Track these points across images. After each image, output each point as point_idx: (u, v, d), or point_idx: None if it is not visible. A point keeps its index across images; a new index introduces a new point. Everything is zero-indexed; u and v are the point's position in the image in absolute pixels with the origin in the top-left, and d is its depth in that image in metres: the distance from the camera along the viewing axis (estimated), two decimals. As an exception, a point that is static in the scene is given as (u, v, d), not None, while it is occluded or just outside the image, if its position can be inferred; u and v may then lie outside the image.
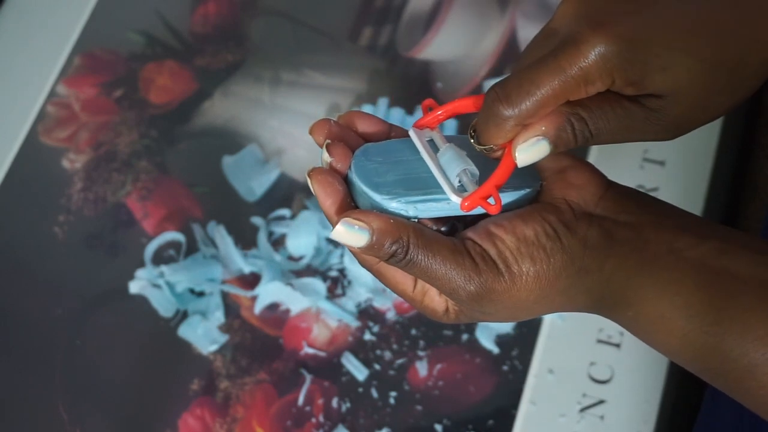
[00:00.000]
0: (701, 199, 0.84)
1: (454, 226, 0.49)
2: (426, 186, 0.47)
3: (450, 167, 0.47)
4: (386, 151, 0.48)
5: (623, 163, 0.87)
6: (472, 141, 0.47)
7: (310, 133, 0.49)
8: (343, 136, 0.48)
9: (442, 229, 0.49)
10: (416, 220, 0.47)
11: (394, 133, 0.50)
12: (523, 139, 0.45)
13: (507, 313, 0.48)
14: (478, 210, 0.47)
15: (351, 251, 0.48)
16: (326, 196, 0.47)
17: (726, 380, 0.45)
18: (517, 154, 0.46)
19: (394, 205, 0.46)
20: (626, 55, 0.43)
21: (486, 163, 0.47)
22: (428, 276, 0.46)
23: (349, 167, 0.47)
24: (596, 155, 0.88)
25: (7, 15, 1.05)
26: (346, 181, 0.48)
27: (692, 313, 0.44)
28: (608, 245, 0.46)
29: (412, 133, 0.49)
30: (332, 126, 0.49)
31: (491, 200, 0.46)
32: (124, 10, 1.04)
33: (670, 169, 0.86)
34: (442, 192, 0.47)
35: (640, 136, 0.47)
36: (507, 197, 0.48)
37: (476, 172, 0.47)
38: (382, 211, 0.46)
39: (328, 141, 0.48)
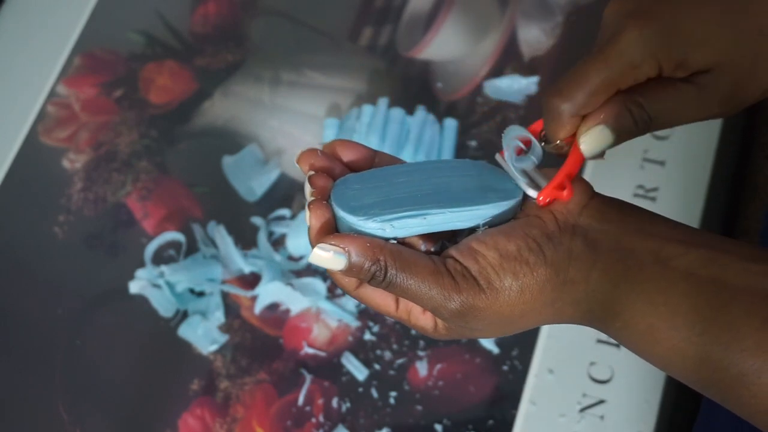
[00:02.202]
0: (701, 199, 0.84)
1: (444, 245, 0.50)
2: (401, 204, 0.47)
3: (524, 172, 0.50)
4: (364, 179, 0.49)
5: (623, 163, 0.87)
6: (542, 144, 0.49)
7: (297, 162, 0.50)
8: (327, 167, 0.49)
9: (432, 249, 0.49)
10: (395, 240, 0.48)
11: (378, 159, 0.51)
12: (585, 128, 0.47)
13: (494, 328, 0.48)
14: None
15: (331, 276, 0.48)
16: (316, 221, 0.48)
17: (718, 390, 0.45)
18: (582, 145, 0.48)
19: (371, 224, 0.47)
20: (665, 36, 0.46)
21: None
22: (409, 296, 0.47)
23: (329, 196, 0.48)
24: (596, 155, 0.88)
25: (7, 15, 1.05)
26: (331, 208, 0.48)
27: (680, 323, 0.44)
28: (593, 256, 0.46)
29: (498, 158, 0.51)
30: (317, 157, 0.50)
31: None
32: (124, 10, 1.04)
33: (670, 169, 0.86)
34: (418, 209, 0.47)
35: (698, 114, 0.49)
36: (490, 210, 0.49)
37: (536, 163, 0.49)
38: (361, 234, 0.47)
39: (311, 173, 0.49)
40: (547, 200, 0.48)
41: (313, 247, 0.47)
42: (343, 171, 0.50)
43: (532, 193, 0.49)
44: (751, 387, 0.43)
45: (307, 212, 0.48)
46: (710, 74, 0.47)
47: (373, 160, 0.51)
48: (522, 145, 0.51)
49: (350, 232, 0.47)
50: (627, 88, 0.47)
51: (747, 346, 0.43)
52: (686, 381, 0.46)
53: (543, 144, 0.49)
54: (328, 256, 0.46)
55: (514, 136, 0.51)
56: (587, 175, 0.87)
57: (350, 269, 0.46)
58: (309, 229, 0.48)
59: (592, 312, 0.47)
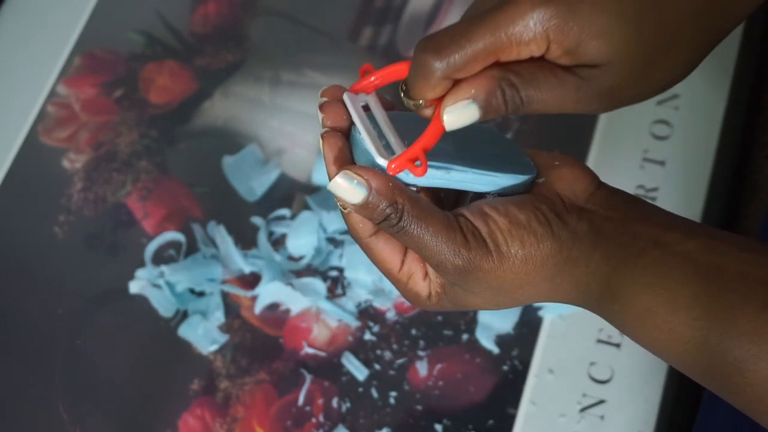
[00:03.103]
0: (701, 199, 0.84)
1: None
2: (430, 154, 0.46)
3: (379, 133, 0.47)
4: (395, 117, 0.48)
5: (623, 163, 0.87)
6: (402, 95, 0.46)
7: (320, 95, 0.49)
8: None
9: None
10: (416, 188, 0.47)
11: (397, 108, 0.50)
12: (452, 100, 0.45)
13: (490, 295, 0.48)
14: (405, 176, 0.45)
15: (344, 216, 0.48)
16: (329, 150, 0.47)
17: (713, 378, 0.45)
18: (445, 116, 0.45)
19: (391, 167, 0.46)
20: (563, 19, 0.43)
21: (421, 130, 0.46)
22: (418, 245, 0.46)
23: (353, 125, 0.47)
24: (596, 155, 0.88)
25: (7, 15, 1.05)
26: (352, 141, 0.47)
27: (678, 307, 0.44)
28: (596, 239, 0.47)
29: (345, 98, 0.48)
30: (339, 90, 0.49)
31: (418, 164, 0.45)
32: (124, 10, 1.04)
33: (670, 169, 0.86)
34: (443, 162, 0.46)
35: (573, 106, 0.46)
36: (506, 180, 0.48)
37: (399, 140, 0.47)
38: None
39: (324, 99, 0.48)
40: (398, 171, 0.45)
41: (331, 175, 0.46)
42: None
43: (381, 161, 0.45)
44: (747, 374, 0.43)
45: (320, 141, 0.47)
46: (597, 69, 0.44)
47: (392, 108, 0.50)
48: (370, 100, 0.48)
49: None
50: (506, 61, 0.44)
51: (743, 332, 0.43)
52: (682, 367, 0.46)
53: (402, 95, 0.46)
54: (348, 186, 0.45)
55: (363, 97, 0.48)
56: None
57: (366, 205, 0.45)
58: (326, 158, 0.47)
59: (590, 292, 0.47)
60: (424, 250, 0.46)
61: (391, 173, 0.46)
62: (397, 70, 0.48)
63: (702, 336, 0.44)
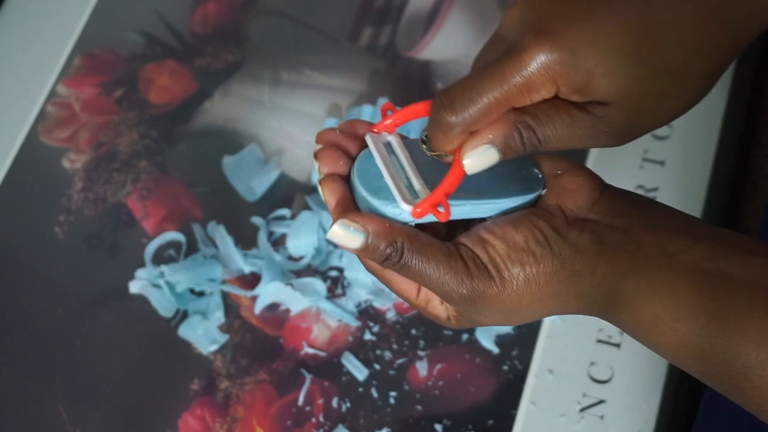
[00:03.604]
0: (701, 199, 0.84)
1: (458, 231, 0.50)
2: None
3: (401, 174, 0.48)
4: (411, 149, 0.49)
5: (623, 163, 0.87)
6: (423, 147, 0.48)
7: (316, 141, 0.50)
8: (341, 143, 0.49)
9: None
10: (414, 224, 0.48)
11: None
12: (471, 147, 0.46)
13: (501, 316, 0.49)
14: (429, 218, 0.47)
15: (356, 255, 0.48)
16: (331, 197, 0.48)
17: (721, 382, 0.45)
18: (465, 161, 0.46)
19: (392, 210, 0.47)
20: (568, 63, 0.44)
21: (442, 169, 0.47)
22: (422, 279, 0.47)
23: (352, 170, 0.48)
24: (596, 155, 0.88)
25: (7, 15, 1.05)
26: (351, 185, 0.48)
27: (685, 315, 0.44)
28: (600, 249, 0.47)
29: (368, 138, 0.49)
30: (332, 134, 0.49)
31: (441, 208, 0.47)
32: (124, 10, 1.04)
33: (670, 169, 0.86)
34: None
35: (589, 142, 0.47)
36: (509, 203, 0.49)
37: (422, 181, 0.48)
38: (380, 215, 0.47)
39: (319, 146, 0.49)
40: (422, 216, 0.47)
41: (333, 222, 0.47)
42: (358, 147, 0.50)
43: (406, 207, 0.47)
44: (754, 379, 0.43)
45: (319, 188, 0.48)
46: (608, 107, 0.45)
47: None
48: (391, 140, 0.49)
49: (367, 210, 0.47)
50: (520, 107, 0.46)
51: (750, 339, 0.43)
52: (690, 371, 0.46)
53: (423, 147, 0.48)
54: (346, 235, 0.46)
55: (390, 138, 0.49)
56: (587, 175, 0.87)
57: (366, 248, 0.46)
58: (329, 205, 0.48)
59: (597, 303, 0.47)
60: (429, 283, 0.47)
61: (415, 218, 0.47)
62: (417, 110, 0.49)
63: (709, 343, 0.44)
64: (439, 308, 0.51)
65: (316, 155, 0.49)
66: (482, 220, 0.49)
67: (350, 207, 0.48)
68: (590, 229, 0.47)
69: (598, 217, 0.48)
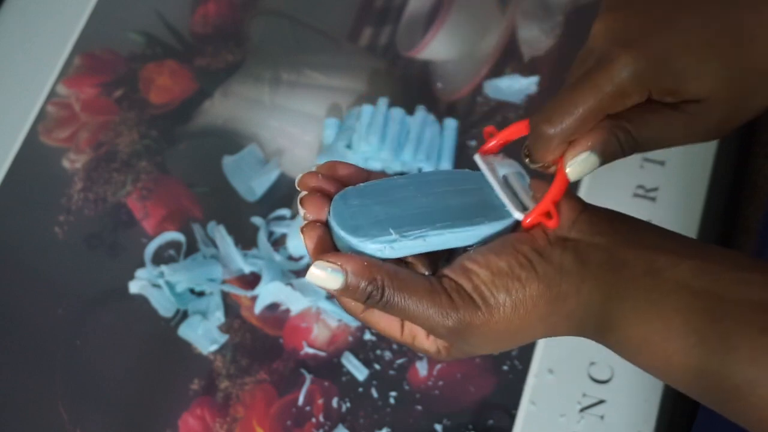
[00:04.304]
0: (701, 199, 0.84)
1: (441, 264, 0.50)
2: (400, 225, 0.48)
3: (510, 187, 0.51)
4: (363, 194, 0.49)
5: (623, 163, 0.87)
6: (526, 161, 0.50)
7: (298, 186, 0.50)
8: (323, 187, 0.50)
9: (426, 273, 0.50)
10: (396, 258, 0.48)
11: (373, 177, 0.51)
12: (572, 155, 0.48)
13: (491, 344, 0.49)
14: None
15: (337, 299, 0.49)
16: (309, 241, 0.48)
17: (714, 400, 0.45)
18: (568, 169, 0.48)
19: (370, 246, 0.47)
20: (657, 70, 0.46)
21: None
22: (406, 315, 0.47)
23: (329, 213, 0.48)
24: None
25: (7, 15, 1.05)
26: (330, 227, 0.49)
27: (674, 336, 0.44)
28: (583, 269, 0.47)
29: (478, 159, 0.52)
30: (315, 179, 0.50)
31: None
32: (124, 10, 1.04)
33: (670, 169, 0.86)
34: (417, 230, 0.48)
35: (684, 139, 0.49)
36: (488, 229, 0.49)
37: (526, 183, 0.51)
38: (359, 254, 0.47)
39: (304, 193, 0.49)
40: (533, 224, 0.49)
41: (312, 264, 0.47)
42: (339, 189, 0.50)
43: (519, 215, 0.49)
44: (748, 398, 0.43)
45: (301, 236, 0.49)
46: (700, 104, 0.47)
47: (367, 178, 0.51)
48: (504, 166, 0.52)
49: (348, 251, 0.47)
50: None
51: (741, 358, 0.43)
52: (684, 391, 0.46)
53: (527, 160, 0.50)
54: (324, 275, 0.46)
55: (505, 166, 0.52)
56: (587, 177, 0.86)
57: (347, 288, 0.46)
58: (308, 249, 0.48)
59: (586, 325, 0.47)
60: (414, 318, 0.47)
61: (525, 227, 0.49)
62: (518, 129, 0.51)
63: (700, 364, 0.44)
64: (426, 343, 0.51)
65: (301, 201, 0.49)
66: (465, 249, 0.50)
67: (328, 247, 0.48)
68: (572, 248, 0.47)
69: (579, 235, 0.48)
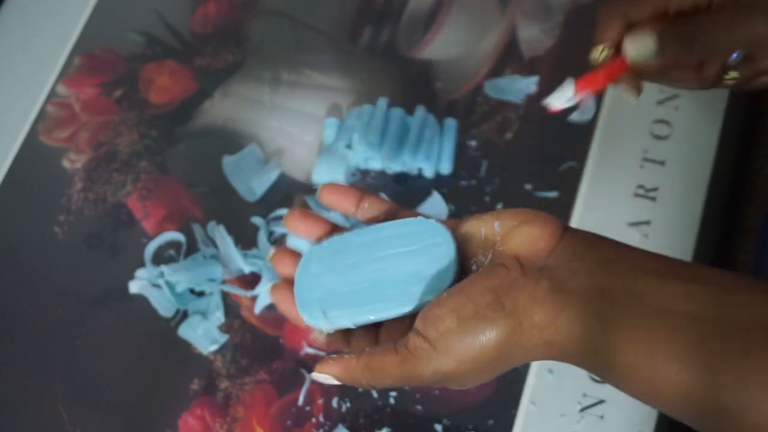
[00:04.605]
0: (701, 199, 0.84)
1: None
2: (339, 305, 0.54)
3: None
4: (322, 258, 0.55)
5: (623, 163, 0.87)
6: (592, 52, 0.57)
7: (286, 225, 0.59)
8: (305, 232, 0.58)
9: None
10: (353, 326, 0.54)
11: (367, 203, 0.57)
12: (632, 33, 0.53)
13: (472, 379, 0.49)
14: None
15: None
16: (279, 303, 0.58)
17: (703, 425, 0.44)
18: (628, 45, 0.53)
19: (311, 322, 0.55)
20: None
21: None
22: (390, 385, 0.50)
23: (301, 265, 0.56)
24: (596, 155, 0.88)
25: (7, 15, 1.05)
26: None
27: (659, 361, 0.43)
28: (560, 296, 0.46)
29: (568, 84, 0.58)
30: (297, 221, 0.58)
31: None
32: (124, 10, 1.04)
33: (670, 169, 0.86)
34: (351, 312, 0.53)
35: (742, 43, 0.53)
36: (418, 301, 0.52)
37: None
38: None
39: (273, 251, 0.58)
40: (581, 92, 0.56)
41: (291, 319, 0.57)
42: (324, 232, 0.58)
43: (570, 86, 0.56)
44: (735, 420, 0.42)
45: (270, 292, 0.58)
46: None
47: (360, 200, 0.57)
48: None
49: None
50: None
51: (725, 383, 0.41)
52: (671, 414, 0.45)
53: (593, 52, 0.58)
54: (324, 379, 0.53)
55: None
56: (587, 176, 0.87)
57: (344, 383, 0.52)
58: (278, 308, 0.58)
59: (569, 352, 0.46)
60: (395, 386, 0.50)
61: (578, 90, 0.56)
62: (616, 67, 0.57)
63: (686, 389, 0.43)
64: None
65: (272, 259, 0.57)
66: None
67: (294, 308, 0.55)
68: (548, 277, 0.46)
69: (557, 262, 0.47)
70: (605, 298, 0.45)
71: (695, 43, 0.52)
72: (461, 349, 0.47)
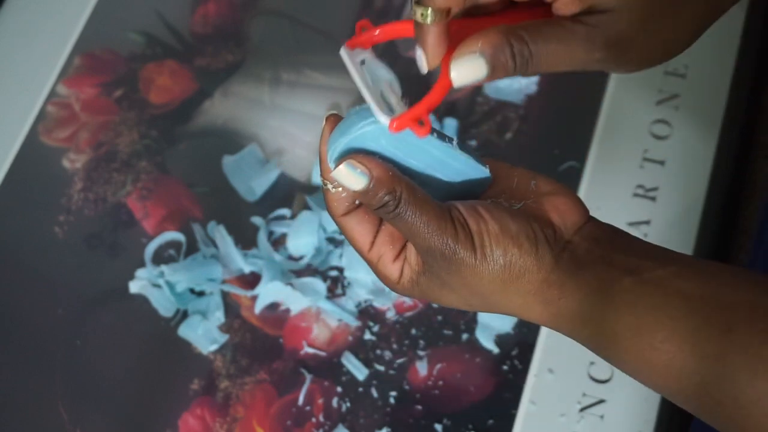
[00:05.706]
0: (701, 199, 0.84)
1: None
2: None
3: (377, 85, 0.47)
4: (391, 141, 0.48)
5: (623, 163, 0.87)
6: (414, 7, 0.46)
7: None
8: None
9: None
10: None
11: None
12: (459, 54, 0.45)
13: (466, 293, 0.49)
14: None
15: (323, 192, 0.49)
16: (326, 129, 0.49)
17: (684, 399, 0.45)
18: (453, 71, 0.45)
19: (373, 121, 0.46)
20: None
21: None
22: (410, 231, 0.47)
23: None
24: (596, 155, 0.88)
25: (7, 15, 1.05)
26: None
27: (644, 331, 0.45)
28: (574, 269, 0.47)
29: (343, 52, 0.47)
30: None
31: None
32: (124, 10, 1.04)
33: (670, 169, 0.86)
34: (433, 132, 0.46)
35: (582, 59, 0.46)
36: (463, 161, 0.48)
37: (399, 89, 0.47)
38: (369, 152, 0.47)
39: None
40: (399, 129, 0.45)
41: (320, 149, 0.48)
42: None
43: (384, 119, 0.45)
44: (714, 395, 0.43)
45: (323, 122, 0.49)
46: (605, 15, 0.45)
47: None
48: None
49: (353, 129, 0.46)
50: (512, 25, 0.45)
51: (706, 355, 0.43)
52: (654, 389, 0.47)
53: (414, 6, 0.46)
54: (350, 175, 0.46)
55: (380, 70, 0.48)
56: (587, 176, 0.87)
57: (366, 192, 0.46)
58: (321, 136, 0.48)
59: (561, 316, 0.48)
60: (416, 236, 0.47)
61: (392, 131, 0.45)
62: (402, 28, 0.47)
63: (668, 359, 0.44)
64: (390, 267, 0.50)
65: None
66: (479, 193, 0.50)
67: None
68: (570, 251, 0.48)
69: (580, 240, 0.48)
70: (608, 274, 0.46)
71: (533, 56, 0.45)
72: (488, 255, 0.47)
